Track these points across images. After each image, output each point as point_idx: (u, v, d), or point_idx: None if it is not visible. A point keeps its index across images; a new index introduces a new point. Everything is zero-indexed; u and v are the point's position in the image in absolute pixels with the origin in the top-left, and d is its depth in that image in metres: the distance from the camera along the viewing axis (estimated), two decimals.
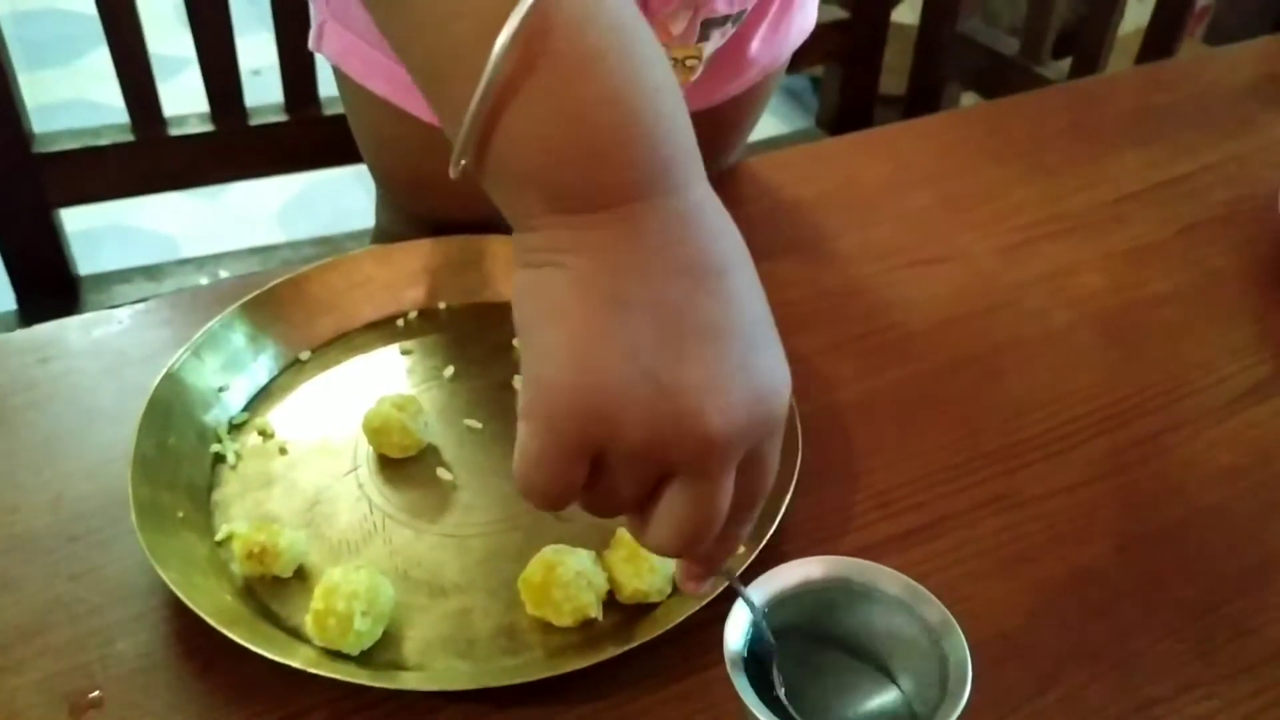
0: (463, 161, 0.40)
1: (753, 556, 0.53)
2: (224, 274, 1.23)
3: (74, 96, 2.62)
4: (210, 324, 0.63)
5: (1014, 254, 0.76)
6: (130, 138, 1.15)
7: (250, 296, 0.65)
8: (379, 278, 0.70)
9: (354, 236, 1.30)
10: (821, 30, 1.02)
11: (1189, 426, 0.64)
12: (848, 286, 0.73)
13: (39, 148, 1.12)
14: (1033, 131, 0.88)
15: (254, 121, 1.17)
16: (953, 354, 0.68)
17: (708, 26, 0.75)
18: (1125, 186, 0.82)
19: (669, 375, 0.37)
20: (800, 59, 0.93)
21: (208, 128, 1.16)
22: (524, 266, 0.40)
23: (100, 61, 1.11)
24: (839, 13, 1.39)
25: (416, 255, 0.71)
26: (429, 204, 0.82)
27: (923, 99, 1.44)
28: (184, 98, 1.24)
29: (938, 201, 0.80)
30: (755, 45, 0.82)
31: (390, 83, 0.78)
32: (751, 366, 0.39)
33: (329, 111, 1.19)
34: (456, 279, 0.71)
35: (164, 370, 0.60)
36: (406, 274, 0.70)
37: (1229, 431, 0.63)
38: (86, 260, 1.23)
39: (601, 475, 0.39)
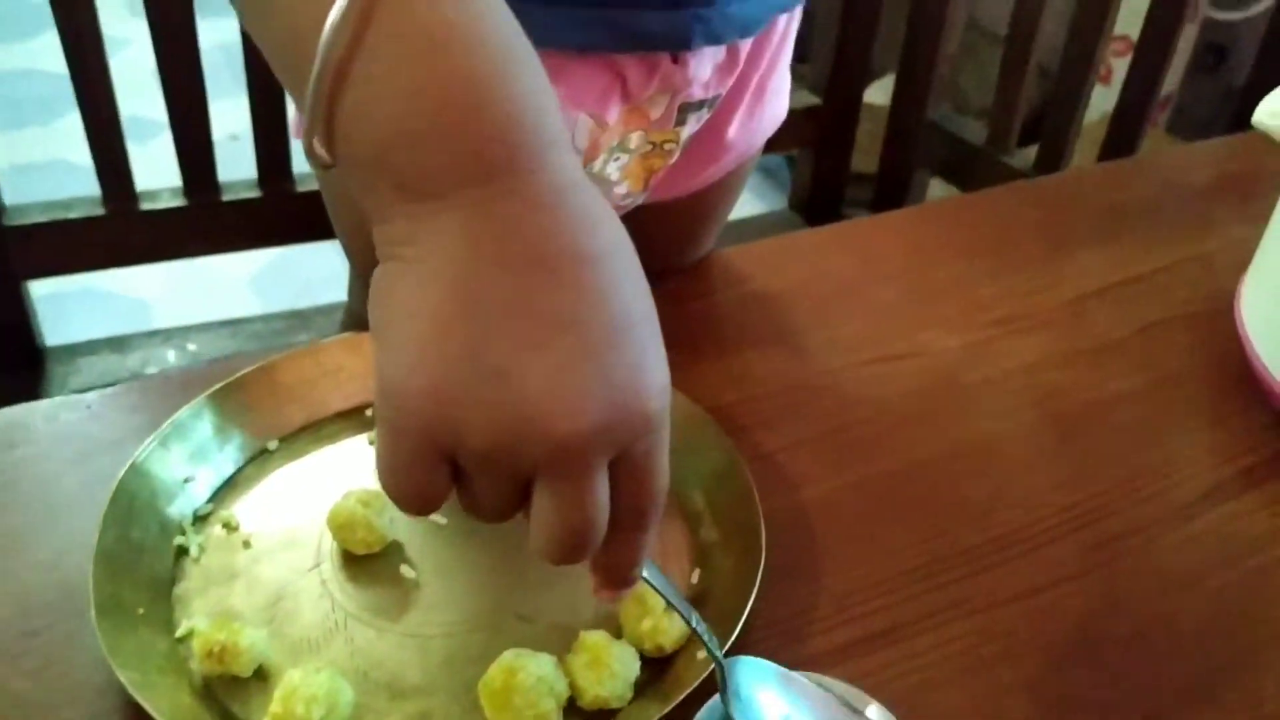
0: (327, 162, 0.39)
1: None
2: (192, 347, 1.23)
3: (51, 157, 2.62)
4: (178, 414, 0.63)
5: (978, 351, 0.77)
6: (101, 211, 1.15)
7: (219, 386, 0.65)
8: (349, 366, 0.70)
9: (324, 311, 1.31)
10: (794, 116, 1.05)
11: (1147, 531, 0.64)
12: (815, 382, 0.73)
13: (9, 220, 1.12)
14: (1000, 227, 0.89)
15: (227, 197, 1.18)
16: (917, 453, 0.69)
17: (684, 111, 0.76)
18: (1088, 284, 0.84)
19: (515, 374, 0.36)
20: (774, 143, 0.94)
21: (180, 202, 1.17)
22: (382, 260, 0.38)
23: (80, 122, 1.11)
24: (811, 99, 1.42)
25: None
26: None
27: (892, 184, 1.47)
28: (160, 162, 1.25)
29: (905, 296, 0.82)
30: (732, 130, 0.83)
31: None
32: (611, 364, 0.36)
33: (302, 188, 1.20)
34: None
35: (129, 462, 0.60)
36: None
37: (1185, 537, 0.64)
38: (52, 323, 1.23)
39: (465, 479, 0.38)
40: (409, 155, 0.36)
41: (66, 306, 1.28)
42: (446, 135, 0.36)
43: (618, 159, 0.77)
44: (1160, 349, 0.78)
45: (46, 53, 1.03)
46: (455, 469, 0.38)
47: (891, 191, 1.47)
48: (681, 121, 0.77)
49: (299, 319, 1.29)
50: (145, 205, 1.16)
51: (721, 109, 0.81)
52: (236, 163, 1.21)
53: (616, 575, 0.42)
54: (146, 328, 2.00)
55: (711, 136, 0.82)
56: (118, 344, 1.23)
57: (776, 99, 0.88)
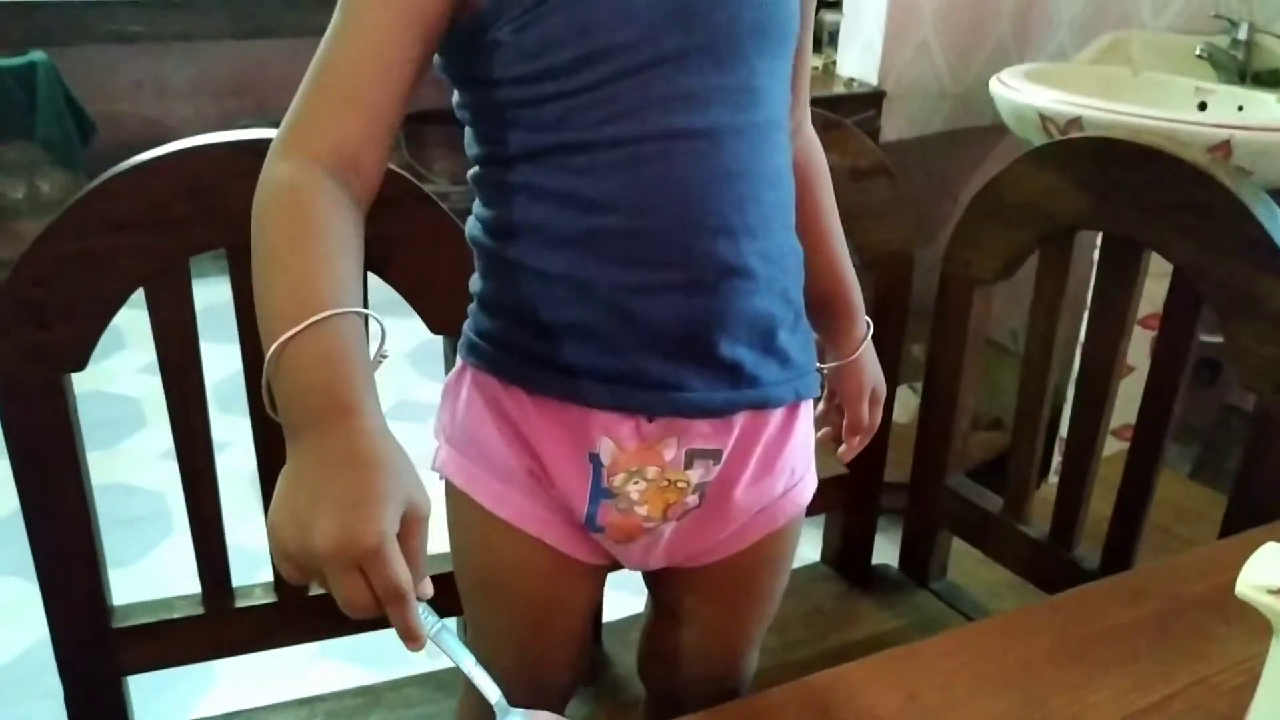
0: (274, 417, 0.79)
1: None
2: None
3: (111, 481, 2.77)
4: None
5: None
6: (200, 610, 1.26)
7: None
8: None
9: (394, 686, 1.40)
10: (823, 484, 1.21)
11: None
12: None
13: (117, 622, 1.23)
14: (1022, 655, 0.99)
15: (314, 591, 1.29)
16: None
17: (692, 456, 1.00)
18: (1108, 717, 0.93)
19: (309, 524, 0.69)
20: (805, 508, 1.11)
21: (271, 599, 1.28)
22: None
23: (142, 443, 1.22)
24: (838, 468, 1.55)
25: None
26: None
27: (919, 545, 1.58)
28: (234, 474, 1.34)
29: None
30: (739, 491, 1.05)
31: (497, 500, 1.05)
32: (354, 518, 0.68)
33: None
34: None
35: None
36: None
37: None
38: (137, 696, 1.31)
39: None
40: (289, 418, 0.76)
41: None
42: (303, 410, 0.76)
43: (636, 483, 1.01)
44: None
45: (113, 376, 1.16)
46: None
47: (918, 552, 1.58)
48: (690, 465, 1.01)
49: (371, 696, 1.38)
50: (240, 602, 1.27)
51: (730, 467, 1.03)
52: None
53: (403, 636, 0.72)
54: (212, 689, 2.07)
55: (723, 495, 1.05)
56: None
57: (796, 485, 1.11)
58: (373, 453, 0.73)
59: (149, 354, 1.17)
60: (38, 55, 3.37)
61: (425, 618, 0.74)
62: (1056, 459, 2.40)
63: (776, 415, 1.05)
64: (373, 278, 1.17)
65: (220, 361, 1.16)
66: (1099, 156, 1.30)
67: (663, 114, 0.92)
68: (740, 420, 1.02)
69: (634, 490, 1.01)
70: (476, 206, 1.02)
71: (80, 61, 3.65)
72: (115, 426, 2.87)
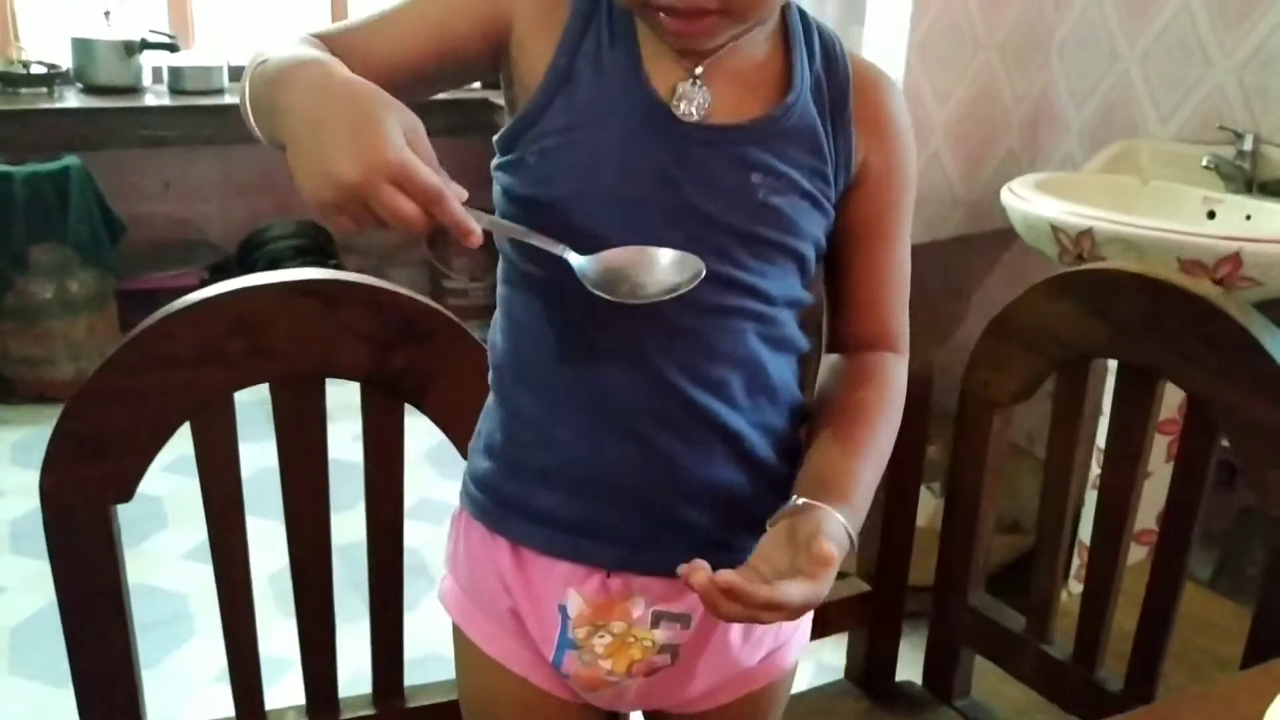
0: (254, 130, 0.92)
1: None
2: None
3: (133, 582, 2.78)
4: None
5: None
6: None
7: None
8: None
9: None
10: (848, 602, 1.22)
11: None
12: None
13: None
14: None
15: (345, 715, 1.31)
16: None
17: (659, 617, 1.02)
18: None
19: (329, 164, 0.76)
20: (830, 625, 1.10)
21: None
22: (286, 140, 0.83)
23: (163, 544, 1.23)
24: (862, 586, 1.57)
25: None
26: None
27: (942, 662, 1.59)
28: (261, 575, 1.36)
29: None
30: (713, 655, 1.05)
31: (487, 639, 1.08)
32: (357, 145, 0.76)
33: (411, 704, 1.33)
34: None
35: None
36: None
37: None
38: None
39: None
40: (275, 101, 0.84)
41: None
42: (283, 85, 0.84)
43: (602, 636, 1.01)
44: None
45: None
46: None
47: (941, 669, 1.59)
48: (656, 624, 1.01)
49: None
50: None
51: (702, 632, 1.04)
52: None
53: (457, 232, 0.79)
54: None
55: (695, 657, 1.05)
56: None
57: (780, 649, 1.10)
58: (354, 85, 0.80)
59: (171, 453, 1.18)
60: (71, 160, 3.47)
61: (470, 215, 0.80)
62: (1075, 563, 2.40)
63: None
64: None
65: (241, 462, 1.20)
66: (1111, 288, 1.33)
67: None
68: None
69: (599, 644, 1.03)
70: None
71: (111, 164, 3.75)
72: (137, 526, 2.88)
